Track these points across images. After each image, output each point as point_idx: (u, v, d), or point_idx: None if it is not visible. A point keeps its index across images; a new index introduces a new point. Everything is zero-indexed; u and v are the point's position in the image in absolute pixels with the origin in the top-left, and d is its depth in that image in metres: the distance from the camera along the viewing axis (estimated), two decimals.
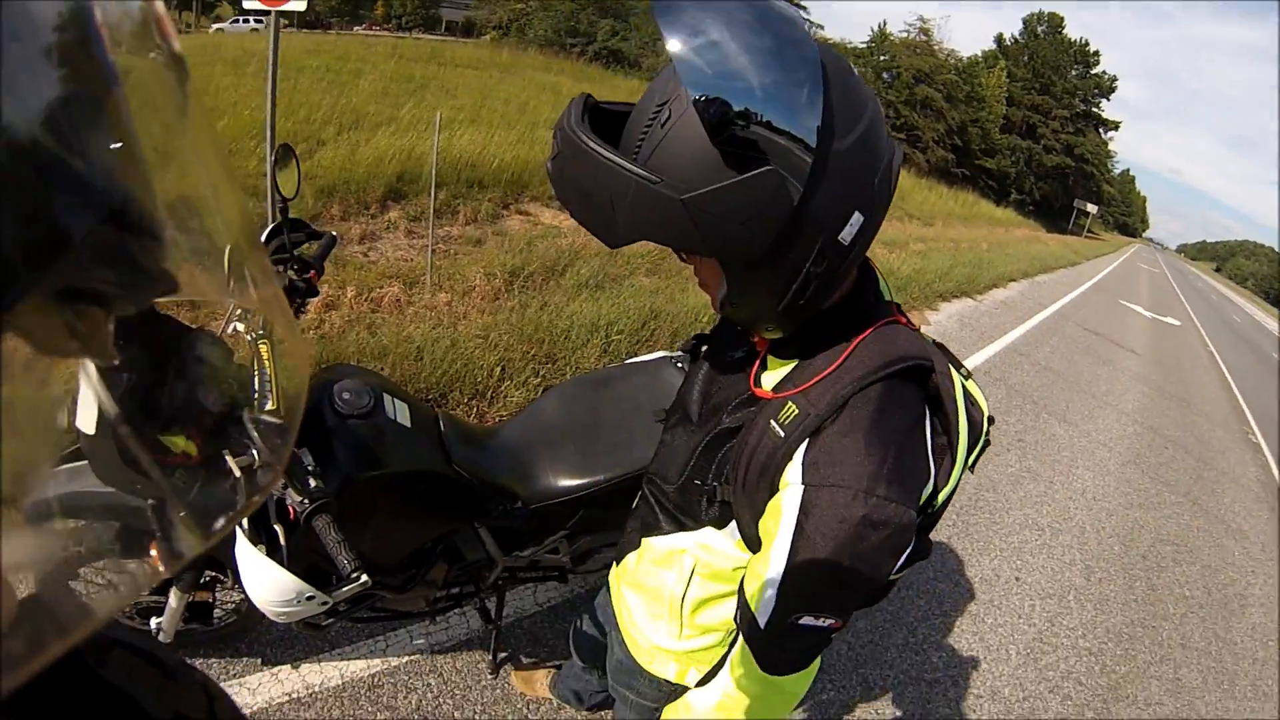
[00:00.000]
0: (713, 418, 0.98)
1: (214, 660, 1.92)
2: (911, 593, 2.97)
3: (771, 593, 0.83)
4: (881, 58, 34.32)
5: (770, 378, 0.92)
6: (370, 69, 10.12)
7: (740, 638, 0.92)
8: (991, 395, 5.56)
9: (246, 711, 1.81)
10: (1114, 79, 44.76)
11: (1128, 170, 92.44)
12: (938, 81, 33.37)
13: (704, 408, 1.03)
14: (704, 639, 1.10)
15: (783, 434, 0.83)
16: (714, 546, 1.01)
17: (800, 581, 0.81)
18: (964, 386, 0.95)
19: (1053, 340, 8.44)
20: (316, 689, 1.92)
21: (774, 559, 0.82)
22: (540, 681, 2.03)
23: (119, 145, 0.26)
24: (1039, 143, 42.96)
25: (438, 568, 1.68)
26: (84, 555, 1.55)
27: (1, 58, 0.21)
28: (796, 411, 0.83)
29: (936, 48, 35.05)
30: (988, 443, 1.00)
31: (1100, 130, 46.64)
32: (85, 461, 1.26)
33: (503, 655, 2.12)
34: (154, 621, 1.70)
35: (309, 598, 1.20)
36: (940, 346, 1.00)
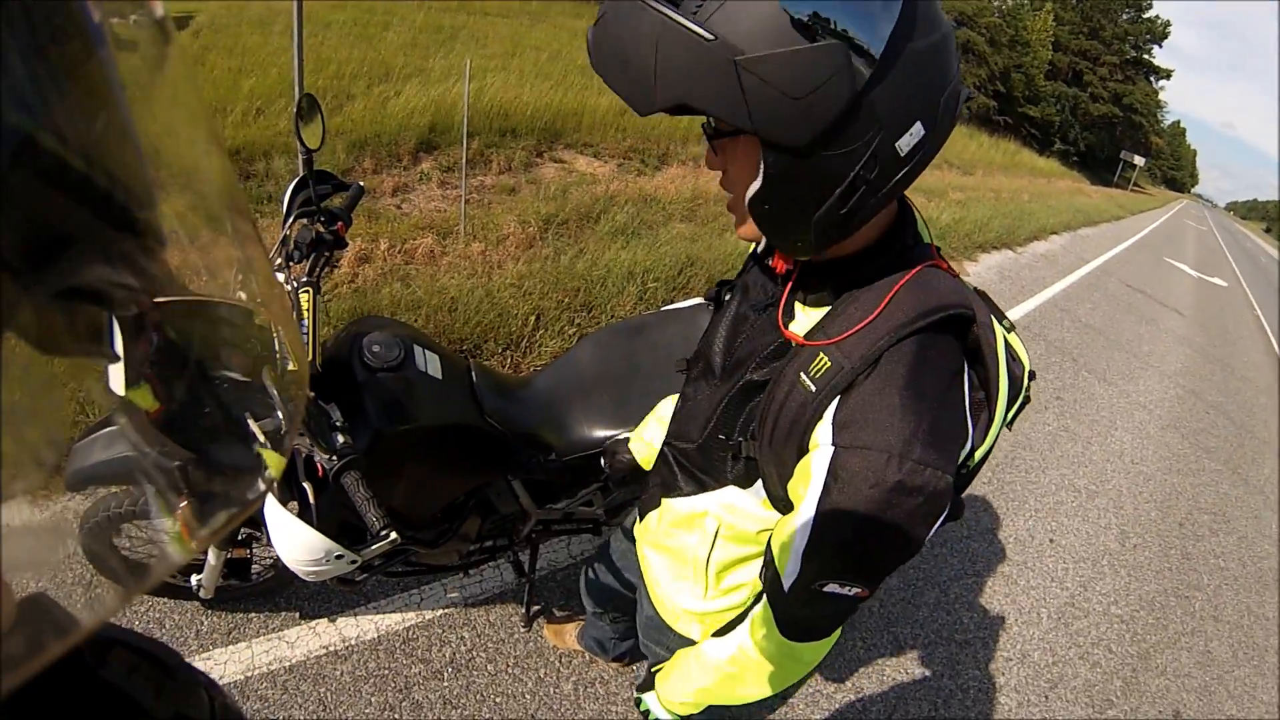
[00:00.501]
0: (738, 370, 0.93)
1: (253, 615, 1.96)
2: (945, 551, 2.94)
3: (797, 557, 0.80)
4: None
5: (800, 325, 0.86)
6: (398, 20, 9.91)
7: (763, 597, 0.89)
8: (1030, 351, 5.42)
9: (286, 664, 1.85)
10: (1167, 24, 42.32)
11: (1178, 122, 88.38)
12: (980, 24, 31.88)
13: (728, 360, 0.98)
14: (730, 599, 1.08)
15: (814, 388, 0.78)
16: (738, 507, 0.98)
17: (827, 548, 0.78)
18: (1005, 339, 0.89)
19: (1094, 296, 8.21)
20: (353, 642, 1.95)
21: (801, 523, 0.78)
22: (570, 634, 2.05)
23: (116, 139, 0.26)
24: (1085, 90, 41.08)
25: (470, 521, 1.68)
26: (123, 516, 1.57)
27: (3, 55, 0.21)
28: (829, 364, 0.77)
29: None
30: (1027, 399, 0.95)
31: (1151, 79, 44.39)
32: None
33: (536, 608, 2.14)
34: (194, 578, 1.73)
35: (338, 556, 1.20)
36: (982, 295, 0.93)
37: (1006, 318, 0.93)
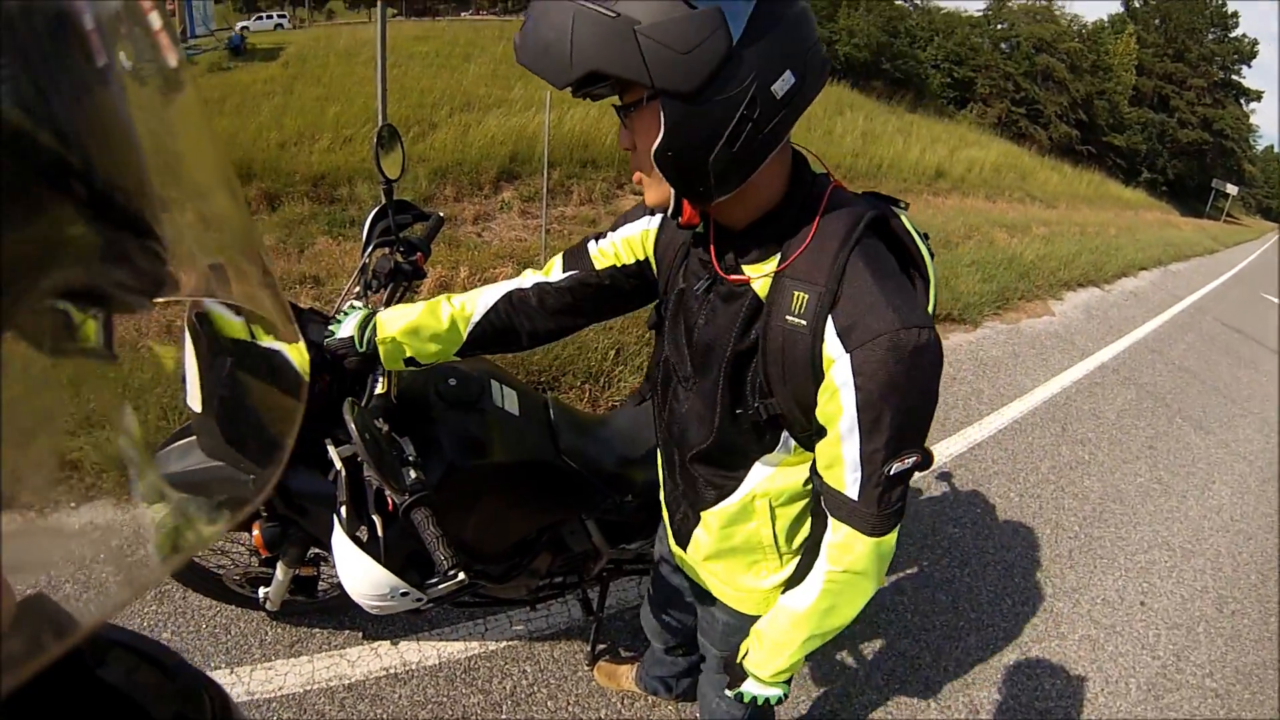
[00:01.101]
0: (714, 355, 1.01)
1: (316, 630, 1.97)
2: (1027, 610, 2.78)
3: (855, 462, 0.90)
4: (999, 26, 31.99)
5: (757, 283, 0.96)
6: (479, 52, 10.23)
7: (829, 528, 0.97)
8: (1120, 396, 5.16)
9: (346, 683, 1.85)
10: (1255, 43, 39.86)
11: (1272, 146, 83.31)
12: (1060, 50, 30.81)
13: (696, 358, 1.06)
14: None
15: (804, 322, 0.89)
16: (774, 471, 1.07)
17: (878, 437, 0.88)
18: (907, 221, 1.02)
19: (1188, 337, 7.76)
20: (414, 667, 1.94)
21: (845, 432, 0.89)
22: (625, 675, 2.00)
23: (120, 145, 0.27)
24: (1172, 116, 39.15)
25: (541, 558, 1.65)
26: None
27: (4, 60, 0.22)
28: (807, 296, 0.89)
29: (1058, 13, 32.24)
30: (932, 254, 1.06)
31: (1241, 101, 42.02)
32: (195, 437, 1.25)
33: (602, 647, 2.09)
34: (261, 591, 1.75)
35: (403, 594, 1.17)
36: (874, 193, 1.05)
37: (901, 202, 1.04)
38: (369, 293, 1.41)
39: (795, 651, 1.07)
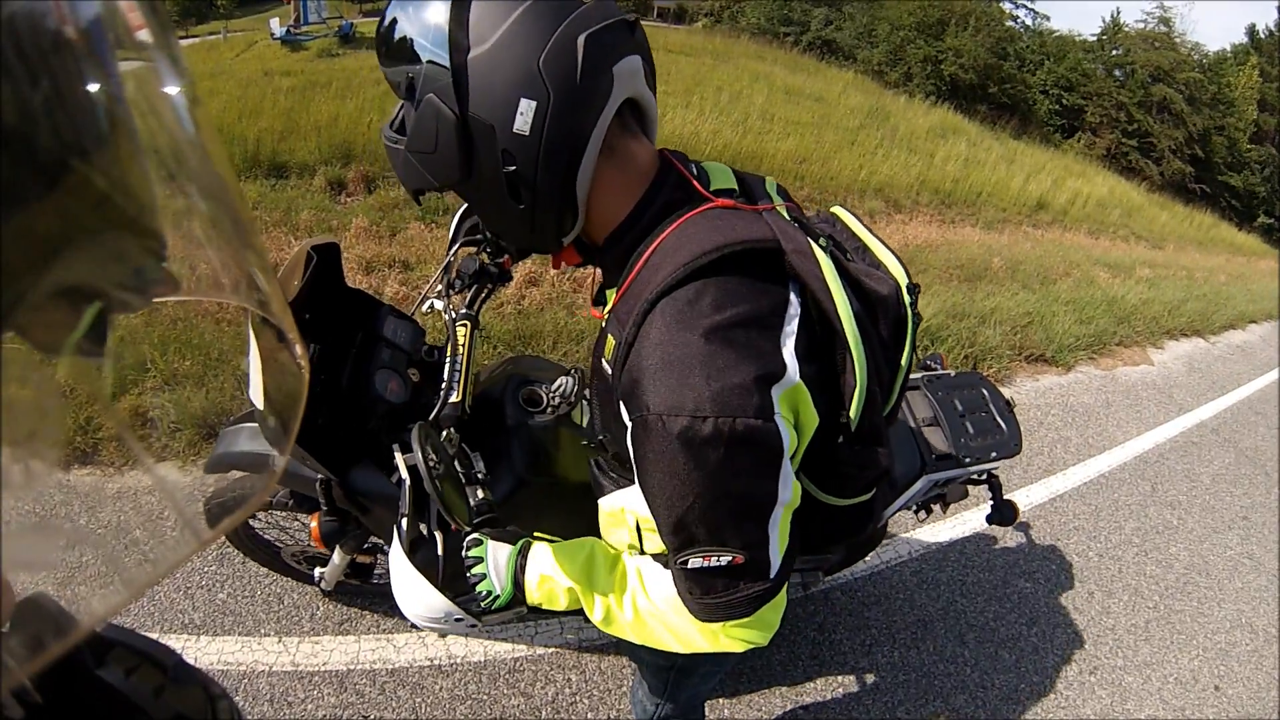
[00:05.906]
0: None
1: (366, 612, 2.01)
2: (1094, 680, 2.61)
3: (663, 538, 0.81)
4: (1114, 52, 30.26)
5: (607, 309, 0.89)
6: None
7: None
8: (1218, 459, 4.81)
9: (389, 667, 1.87)
10: None
11: None
12: (1178, 81, 28.72)
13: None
14: None
15: (609, 370, 0.81)
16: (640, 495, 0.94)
17: (664, 523, 0.78)
18: (842, 262, 0.86)
19: None
20: (459, 660, 1.95)
21: (648, 506, 0.80)
22: None
23: (119, 146, 0.27)
24: None
25: None
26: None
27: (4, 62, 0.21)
28: (614, 343, 0.80)
29: (1178, 40, 30.22)
30: (918, 317, 0.91)
31: None
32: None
33: None
34: (317, 570, 1.78)
35: (457, 619, 1.15)
36: (799, 220, 0.89)
37: (821, 236, 0.87)
38: (452, 293, 1.39)
39: (562, 601, 1.01)
